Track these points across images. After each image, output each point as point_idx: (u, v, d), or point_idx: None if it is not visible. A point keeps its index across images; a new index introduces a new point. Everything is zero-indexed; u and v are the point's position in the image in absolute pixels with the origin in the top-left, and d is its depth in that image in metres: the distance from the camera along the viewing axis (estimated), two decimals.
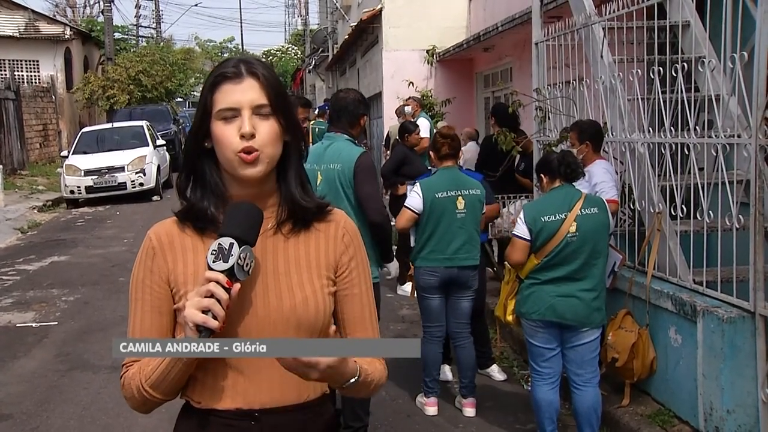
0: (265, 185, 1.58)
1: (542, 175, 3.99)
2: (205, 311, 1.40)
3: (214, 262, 1.44)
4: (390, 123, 12.28)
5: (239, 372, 1.54)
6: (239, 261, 1.44)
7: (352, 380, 1.50)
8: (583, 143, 4.69)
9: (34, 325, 6.89)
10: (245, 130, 1.49)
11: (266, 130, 1.52)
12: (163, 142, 17.47)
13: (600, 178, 4.48)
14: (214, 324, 1.40)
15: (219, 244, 1.45)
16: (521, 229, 3.87)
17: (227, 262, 1.43)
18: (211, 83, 1.54)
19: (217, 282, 1.41)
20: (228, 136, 1.51)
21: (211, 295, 1.41)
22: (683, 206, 4.10)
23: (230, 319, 1.51)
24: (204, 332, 1.41)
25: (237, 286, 1.45)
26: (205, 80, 1.60)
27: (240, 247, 1.45)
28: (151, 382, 1.51)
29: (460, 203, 4.47)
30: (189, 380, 1.57)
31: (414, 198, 4.49)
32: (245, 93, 1.51)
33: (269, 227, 1.59)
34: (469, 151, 8.37)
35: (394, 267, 4.30)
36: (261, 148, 1.51)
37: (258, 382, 1.54)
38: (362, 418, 3.94)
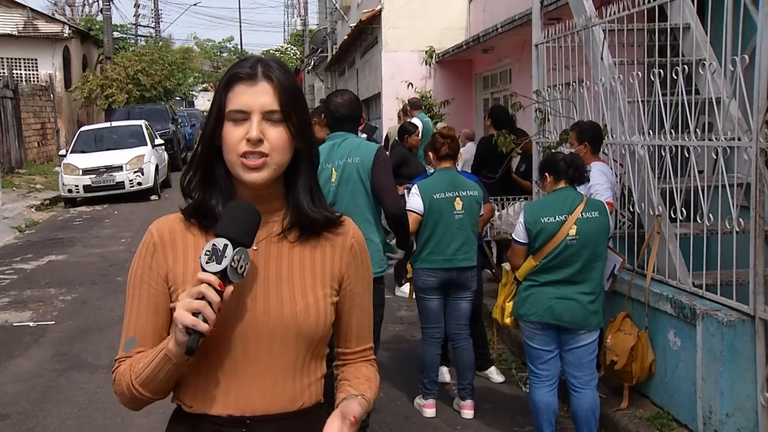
0: (272, 189, 1.54)
1: (547, 174, 3.97)
2: (195, 313, 1.37)
3: (207, 263, 1.40)
4: (389, 124, 12.29)
5: (233, 377, 1.51)
6: (233, 263, 1.41)
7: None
8: (582, 144, 4.69)
9: (31, 324, 6.86)
10: (252, 135, 1.46)
11: (275, 136, 1.48)
12: (162, 142, 17.45)
13: (595, 180, 4.47)
14: (203, 327, 1.37)
15: (213, 244, 1.42)
16: (520, 234, 3.86)
17: (220, 263, 1.40)
18: (225, 82, 1.51)
19: (209, 284, 1.38)
20: (234, 137, 1.48)
21: (203, 297, 1.38)
22: (683, 209, 4.09)
23: (228, 322, 1.48)
24: (193, 335, 1.38)
25: (230, 288, 1.41)
26: (221, 77, 1.57)
27: (234, 249, 1.41)
28: (140, 380, 1.49)
29: (458, 204, 4.46)
30: (182, 383, 1.55)
31: (414, 200, 4.48)
32: (258, 97, 1.48)
33: (274, 232, 1.56)
34: (468, 152, 8.37)
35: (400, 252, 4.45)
36: (269, 152, 1.48)
37: (251, 388, 1.52)
38: (365, 418, 3.93)
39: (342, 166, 3.87)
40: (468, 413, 4.62)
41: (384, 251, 4.04)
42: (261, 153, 1.47)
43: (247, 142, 1.46)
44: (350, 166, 3.87)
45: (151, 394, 1.51)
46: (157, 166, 15.90)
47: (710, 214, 3.84)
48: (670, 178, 4.15)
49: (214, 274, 1.39)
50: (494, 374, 5.23)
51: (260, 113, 1.47)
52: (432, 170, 4.82)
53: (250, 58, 1.54)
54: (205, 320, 1.37)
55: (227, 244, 1.41)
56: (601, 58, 4.87)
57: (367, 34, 16.82)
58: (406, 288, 6.81)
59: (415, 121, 8.57)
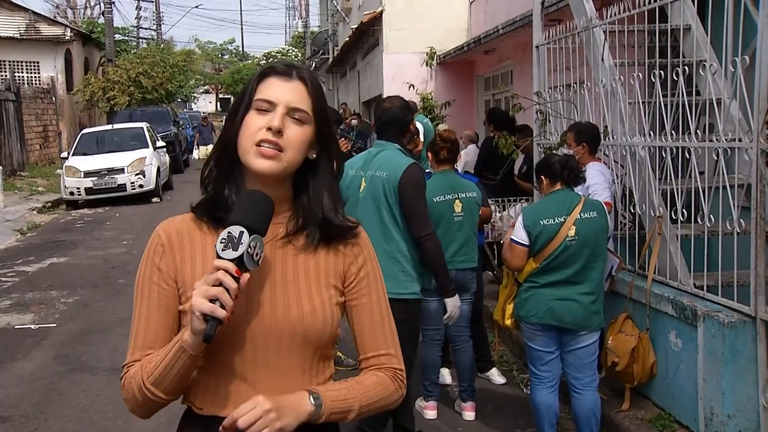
0: (280, 189, 1.55)
1: (543, 177, 3.97)
2: (212, 300, 1.37)
3: (223, 250, 1.41)
4: None
5: (243, 379, 1.52)
6: (249, 250, 1.41)
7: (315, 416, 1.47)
8: (580, 144, 4.70)
9: (32, 326, 6.87)
10: (274, 124, 1.48)
11: (294, 134, 1.50)
12: (163, 144, 17.45)
13: (593, 180, 4.47)
14: (221, 313, 1.37)
15: (229, 232, 1.42)
16: (520, 235, 3.85)
17: (237, 250, 1.40)
18: (260, 74, 1.56)
19: (226, 270, 1.39)
20: (254, 124, 1.50)
21: (220, 284, 1.38)
22: (684, 210, 4.09)
23: (236, 323, 1.48)
24: (211, 322, 1.38)
25: (246, 275, 1.41)
26: (253, 73, 1.62)
27: (250, 236, 1.42)
28: (153, 378, 1.47)
29: (458, 206, 4.46)
30: (192, 385, 1.54)
31: None
32: (288, 92, 1.51)
33: (279, 235, 1.56)
34: (469, 154, 8.37)
35: (452, 304, 4.02)
36: (285, 147, 1.50)
37: (261, 390, 1.51)
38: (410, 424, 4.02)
39: (370, 178, 3.78)
40: (469, 415, 4.62)
41: (417, 274, 3.81)
42: (276, 144, 1.49)
43: (267, 130, 1.48)
44: (377, 179, 3.76)
45: (164, 393, 1.49)
46: (158, 169, 15.92)
47: (711, 215, 3.84)
48: (670, 179, 4.15)
49: (231, 260, 1.40)
50: (495, 376, 5.22)
51: (285, 108, 1.50)
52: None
53: (283, 62, 1.60)
54: (222, 307, 1.37)
55: (243, 231, 1.42)
56: (602, 60, 4.87)
57: (368, 35, 16.82)
58: None
59: (416, 123, 8.55)
